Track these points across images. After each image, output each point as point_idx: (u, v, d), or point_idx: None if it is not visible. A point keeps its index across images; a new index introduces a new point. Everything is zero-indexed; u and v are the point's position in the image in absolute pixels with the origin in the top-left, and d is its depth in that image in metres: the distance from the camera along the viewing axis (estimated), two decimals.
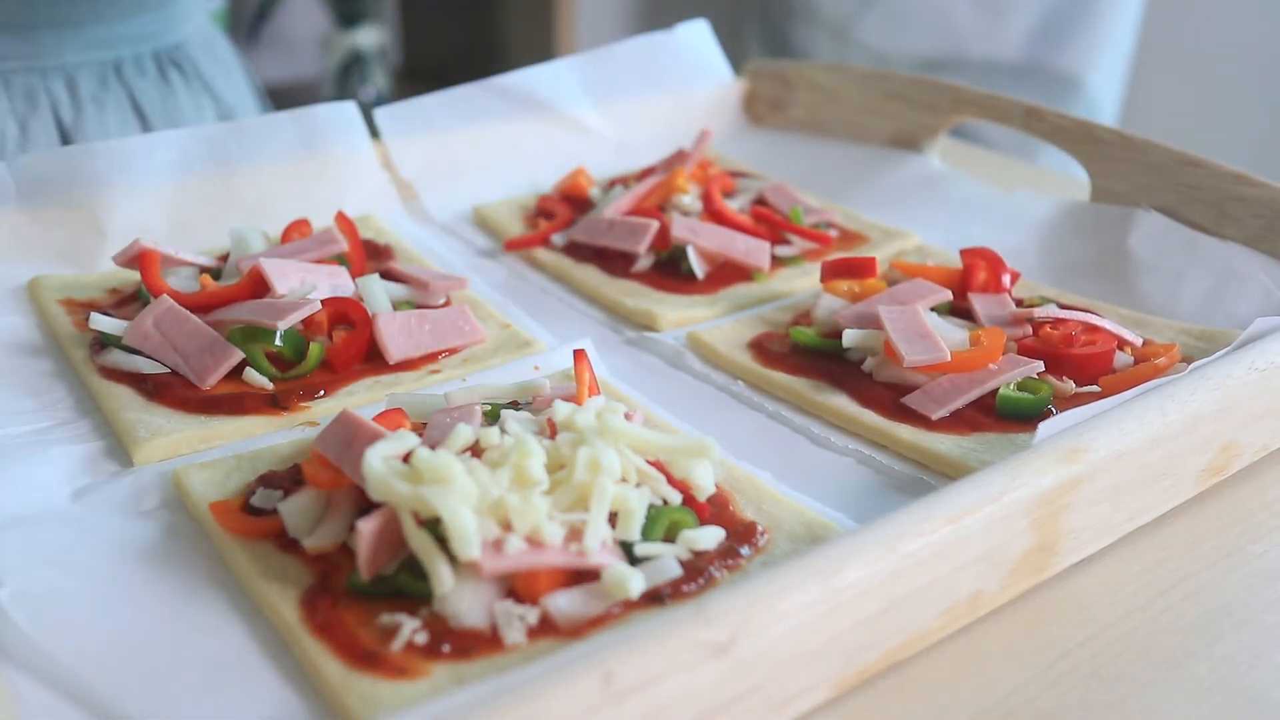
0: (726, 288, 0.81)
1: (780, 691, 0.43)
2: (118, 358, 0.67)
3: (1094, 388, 0.66)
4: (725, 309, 0.79)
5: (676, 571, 0.50)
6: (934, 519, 0.45)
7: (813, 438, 0.65)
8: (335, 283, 0.72)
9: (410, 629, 0.46)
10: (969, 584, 0.48)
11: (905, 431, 0.63)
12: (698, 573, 0.50)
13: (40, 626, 0.48)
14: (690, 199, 0.89)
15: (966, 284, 0.74)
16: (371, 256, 0.81)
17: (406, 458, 0.49)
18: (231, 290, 0.70)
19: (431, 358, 0.70)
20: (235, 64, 1.20)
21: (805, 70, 1.09)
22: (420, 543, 0.47)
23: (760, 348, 0.73)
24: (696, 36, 1.14)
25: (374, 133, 0.94)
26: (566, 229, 0.88)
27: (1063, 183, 1.05)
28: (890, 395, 0.66)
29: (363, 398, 0.66)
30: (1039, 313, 0.70)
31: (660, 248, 0.83)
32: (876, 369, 0.68)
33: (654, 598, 0.49)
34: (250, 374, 0.66)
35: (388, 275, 0.77)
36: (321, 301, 0.69)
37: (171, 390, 0.64)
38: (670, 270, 0.83)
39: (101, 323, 0.68)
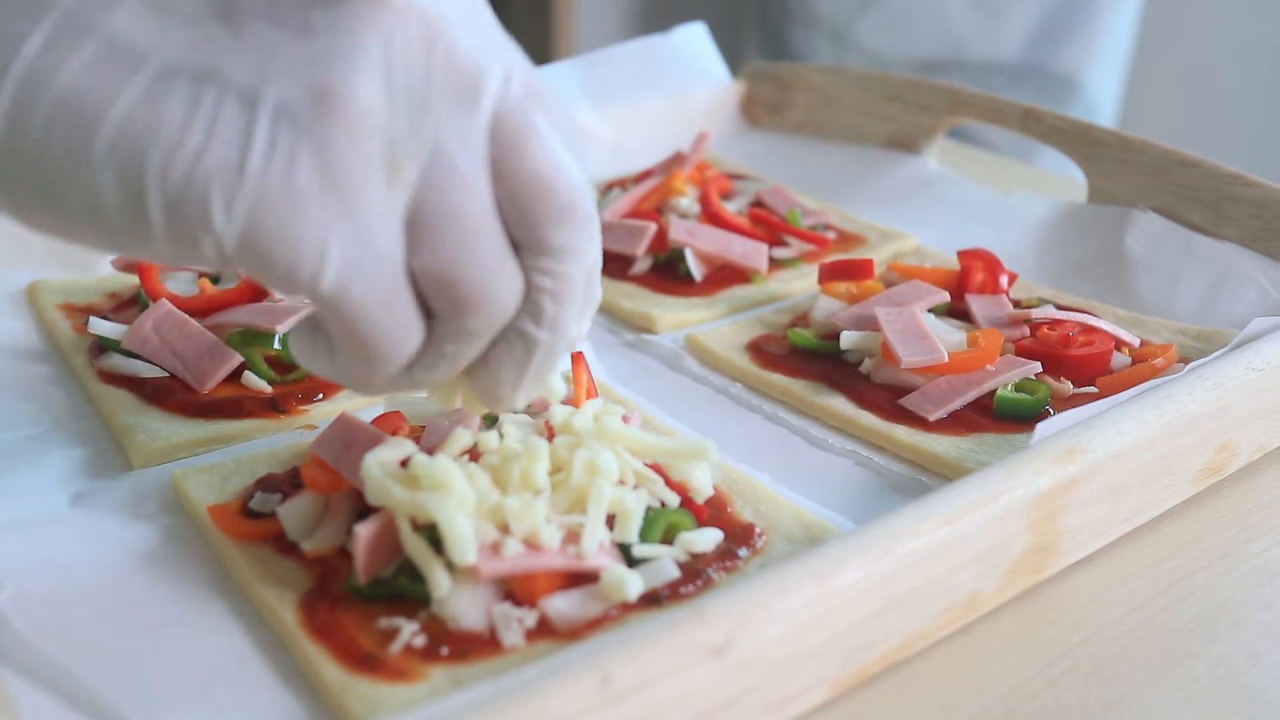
0: (724, 290, 0.81)
1: (778, 692, 0.43)
2: (117, 362, 0.67)
3: (1091, 388, 0.66)
4: (723, 311, 0.79)
5: (674, 573, 0.50)
6: (931, 519, 0.45)
7: (810, 439, 0.65)
8: None
9: (409, 632, 0.47)
10: (967, 584, 0.48)
11: (903, 433, 0.63)
12: (695, 574, 0.50)
13: (39, 630, 0.48)
14: (688, 201, 0.89)
15: (964, 285, 0.74)
16: None
17: (405, 462, 0.49)
18: (230, 294, 0.70)
19: None
20: None
21: (803, 72, 1.10)
22: (416, 548, 0.47)
23: (758, 350, 0.73)
24: (694, 39, 1.14)
25: None
26: None
27: (1060, 184, 1.05)
28: (888, 396, 0.66)
29: (361, 401, 0.66)
30: (1036, 314, 0.70)
31: (658, 250, 0.83)
32: (874, 370, 0.68)
33: (652, 599, 0.49)
34: (249, 377, 0.66)
35: None
36: None
37: (170, 394, 0.65)
38: (668, 273, 0.83)
39: (100, 327, 0.69)
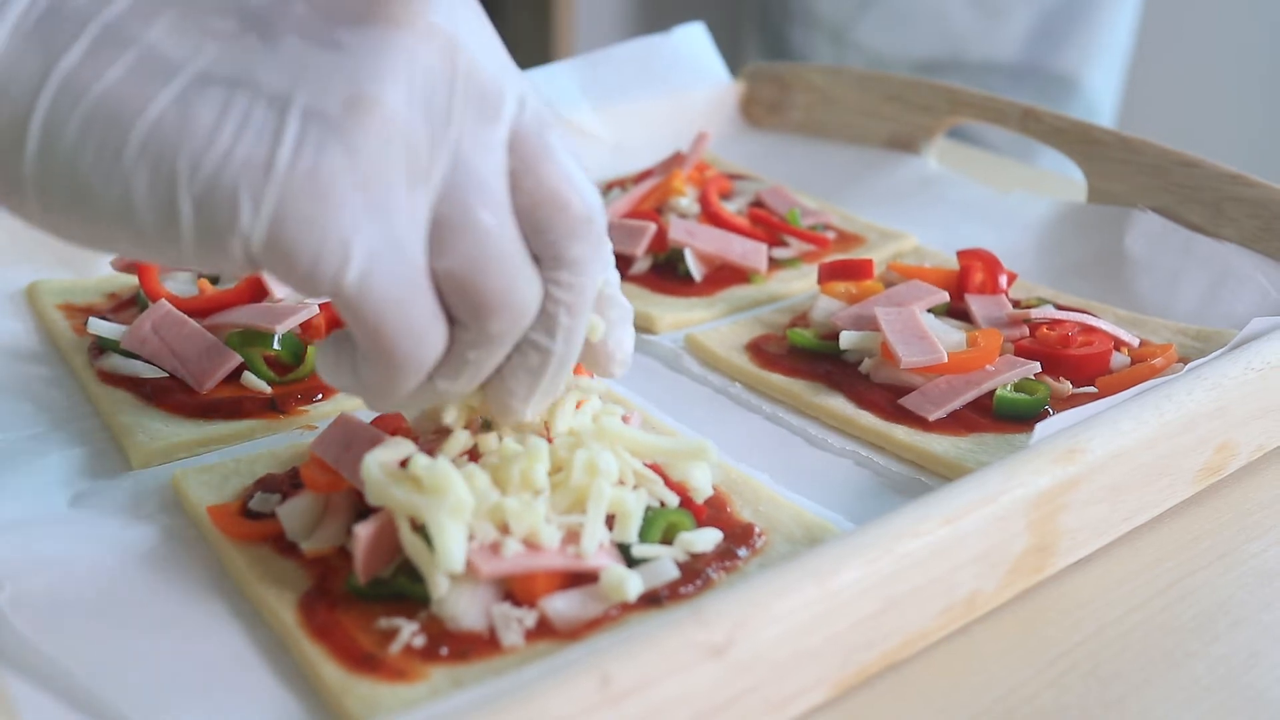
0: (724, 290, 0.81)
1: (777, 692, 0.43)
2: (116, 362, 0.67)
3: (1091, 388, 0.66)
4: (723, 311, 0.79)
5: (674, 573, 0.50)
6: (931, 519, 0.45)
7: (810, 439, 0.65)
8: None
9: (408, 632, 0.47)
10: (966, 584, 0.48)
11: (902, 433, 0.63)
12: (695, 574, 0.50)
13: (39, 630, 0.48)
14: (687, 201, 0.89)
15: (963, 285, 0.74)
16: None
17: (405, 462, 0.49)
18: (229, 295, 0.70)
19: None
20: None
21: (802, 72, 1.10)
22: (416, 548, 0.47)
23: (758, 350, 0.73)
24: (694, 39, 1.14)
25: None
26: None
27: (1060, 184, 1.05)
28: (887, 396, 0.66)
29: (360, 401, 0.66)
30: (1036, 314, 0.70)
31: (657, 250, 0.83)
32: (874, 370, 0.68)
33: (652, 599, 0.49)
34: (248, 378, 0.66)
35: None
36: (319, 305, 0.69)
37: (170, 394, 0.65)
38: (667, 273, 0.83)
39: (100, 327, 0.69)
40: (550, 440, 0.51)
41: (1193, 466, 0.57)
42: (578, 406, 0.53)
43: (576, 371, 0.53)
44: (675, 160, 0.94)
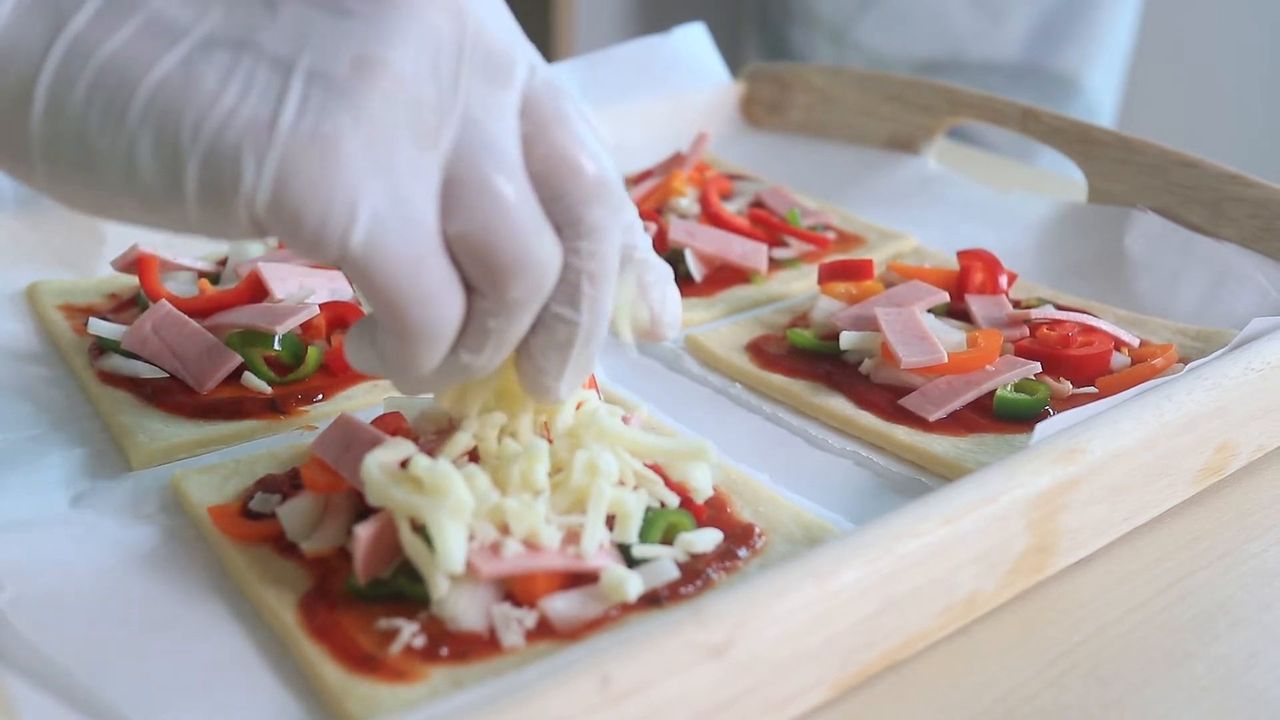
0: (724, 290, 0.81)
1: (777, 692, 0.43)
2: (116, 362, 0.67)
3: (1091, 388, 0.66)
4: (723, 311, 0.79)
5: (674, 574, 0.50)
6: (931, 520, 0.45)
7: (810, 439, 0.65)
8: (333, 287, 0.72)
9: (408, 632, 0.47)
10: (966, 584, 0.48)
11: (902, 433, 0.63)
12: (695, 575, 0.50)
13: (39, 631, 0.48)
14: (688, 202, 0.89)
15: (964, 285, 0.74)
16: None
17: (405, 463, 0.49)
18: (230, 295, 0.70)
19: None
20: None
21: (802, 73, 1.10)
22: (416, 549, 0.47)
23: (758, 350, 0.73)
24: (694, 39, 1.14)
25: None
26: None
27: (1059, 184, 1.05)
28: (887, 397, 0.66)
29: (360, 401, 0.66)
30: (1036, 314, 0.70)
31: (658, 250, 0.83)
32: (874, 371, 0.68)
33: (652, 600, 0.49)
34: (249, 378, 0.66)
35: None
36: (320, 306, 0.69)
37: (170, 395, 0.65)
38: None
39: (100, 328, 0.69)
40: (550, 441, 0.52)
41: (1193, 467, 0.57)
42: (578, 408, 0.53)
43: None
44: (675, 161, 0.94)
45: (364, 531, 0.48)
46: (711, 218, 0.86)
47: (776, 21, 1.95)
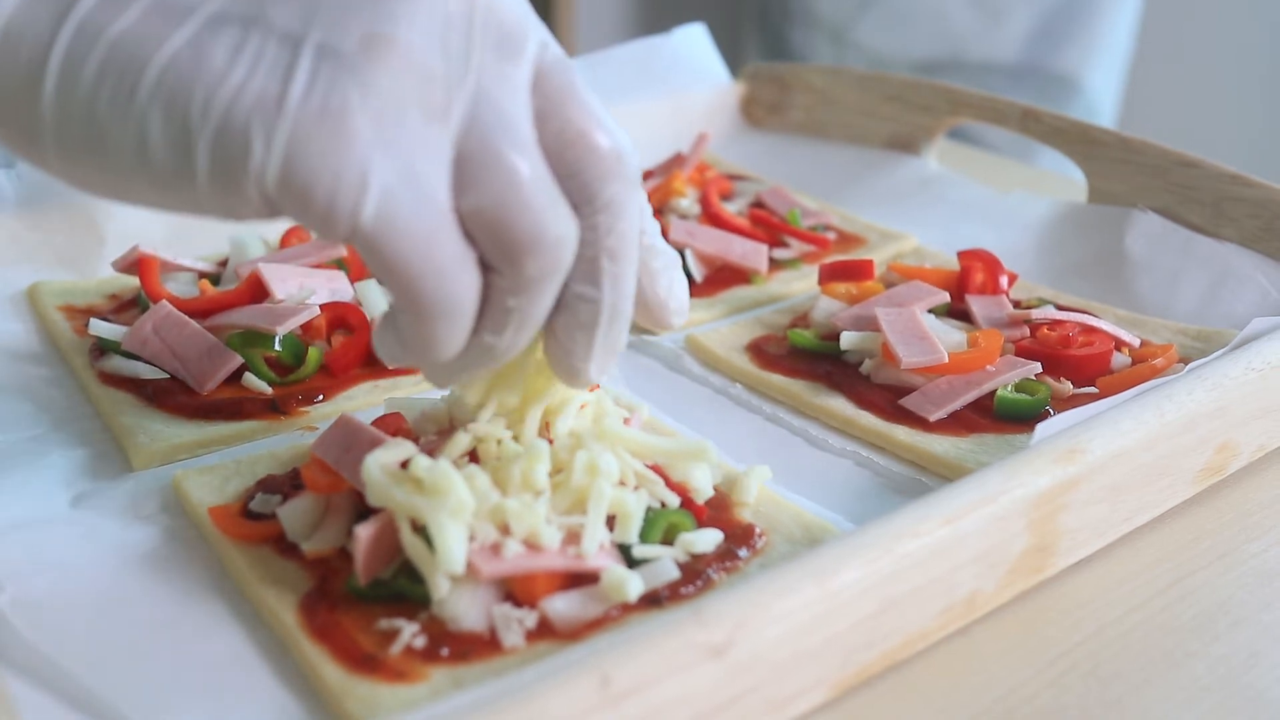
0: (724, 290, 0.81)
1: (778, 692, 0.43)
2: (117, 363, 0.67)
3: (1091, 389, 0.66)
4: (723, 312, 0.79)
5: (674, 574, 0.50)
6: (931, 520, 0.45)
7: (810, 440, 0.65)
8: (334, 288, 0.72)
9: (409, 633, 0.47)
10: (966, 584, 0.48)
11: (903, 433, 0.63)
12: (696, 575, 0.50)
13: (40, 631, 0.48)
14: (688, 202, 0.89)
15: (964, 286, 0.74)
16: None
17: (406, 463, 0.49)
18: (230, 295, 0.70)
19: None
20: None
21: (802, 73, 1.10)
22: (416, 549, 0.47)
23: (758, 350, 0.73)
24: (694, 40, 1.14)
25: None
26: None
27: (1060, 184, 1.05)
28: (888, 397, 0.66)
29: (361, 402, 0.66)
30: (1036, 314, 0.70)
31: None
32: (874, 371, 0.68)
33: (652, 600, 0.49)
34: (249, 379, 0.66)
35: None
36: (320, 306, 0.69)
37: (171, 395, 0.65)
38: None
39: (101, 328, 0.69)
40: (551, 441, 0.52)
41: (1193, 467, 0.57)
42: (580, 409, 0.53)
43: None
44: (676, 161, 0.94)
45: (364, 532, 0.48)
46: (712, 218, 0.87)
47: (776, 21, 1.95)
